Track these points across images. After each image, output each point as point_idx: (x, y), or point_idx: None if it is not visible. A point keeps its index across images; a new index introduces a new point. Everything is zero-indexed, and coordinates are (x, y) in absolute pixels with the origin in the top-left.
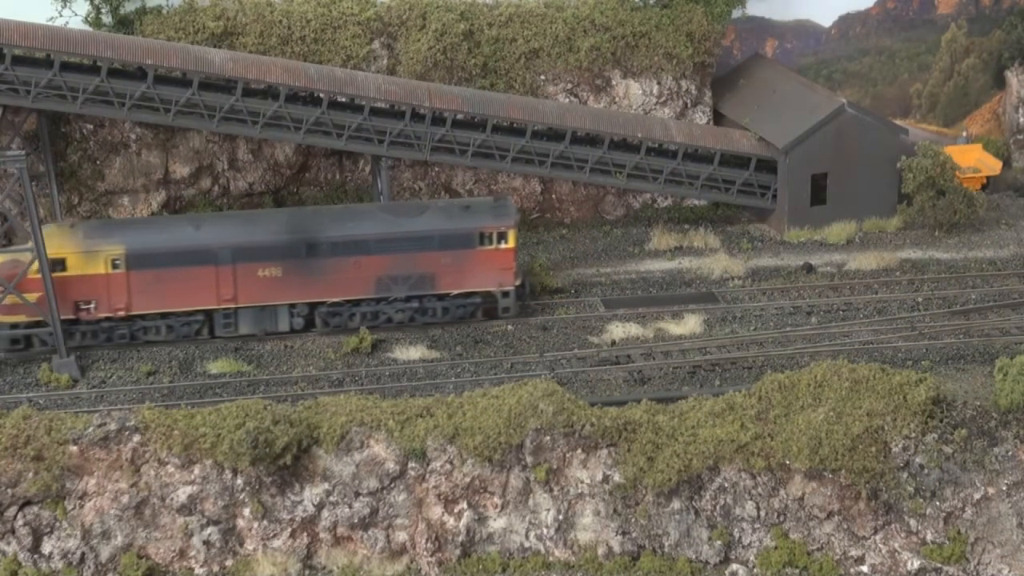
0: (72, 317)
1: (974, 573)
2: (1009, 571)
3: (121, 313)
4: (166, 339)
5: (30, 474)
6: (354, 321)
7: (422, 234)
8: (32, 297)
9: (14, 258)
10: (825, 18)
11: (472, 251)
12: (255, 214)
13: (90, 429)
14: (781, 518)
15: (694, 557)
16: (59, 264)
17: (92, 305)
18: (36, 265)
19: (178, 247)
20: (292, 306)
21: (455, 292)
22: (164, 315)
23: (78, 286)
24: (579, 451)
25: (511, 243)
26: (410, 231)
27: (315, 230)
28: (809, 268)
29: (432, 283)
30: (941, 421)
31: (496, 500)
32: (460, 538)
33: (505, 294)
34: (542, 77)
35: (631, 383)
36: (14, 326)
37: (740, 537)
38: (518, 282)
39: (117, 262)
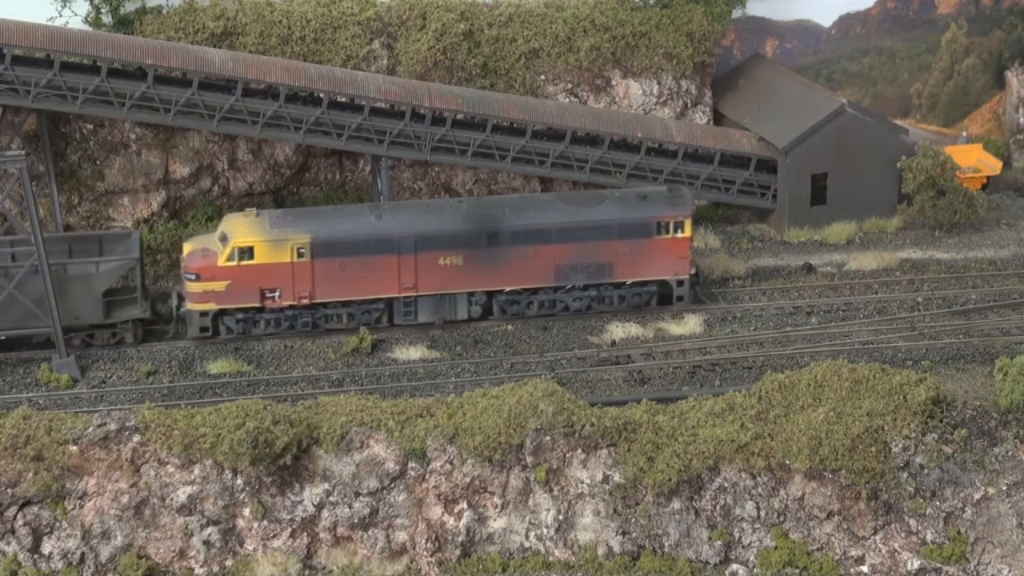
0: (257, 305)
1: (974, 573)
2: (1009, 571)
3: (305, 301)
4: (347, 327)
5: (30, 474)
6: (531, 309)
7: (601, 223)
8: (221, 286)
9: (205, 246)
10: (825, 18)
11: (649, 240)
12: (435, 203)
13: (90, 429)
14: (781, 518)
15: (694, 557)
16: (247, 252)
17: (277, 293)
18: (226, 254)
19: (362, 236)
20: (471, 294)
21: (631, 281)
22: (345, 303)
23: (264, 274)
24: (579, 451)
25: (687, 232)
26: (590, 220)
27: (497, 219)
28: (809, 268)
29: (609, 272)
30: (941, 421)
31: (496, 500)
32: (460, 538)
33: (680, 283)
34: (542, 77)
35: (631, 383)
36: (203, 314)
37: (740, 537)
38: (693, 271)
39: (302, 250)
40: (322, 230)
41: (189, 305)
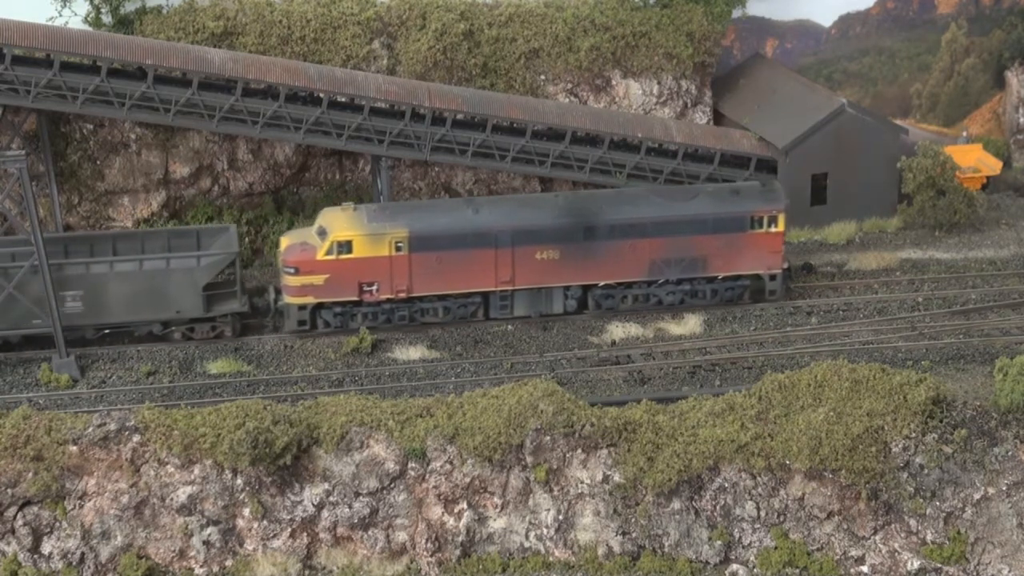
0: (355, 299)
1: (974, 573)
2: (1009, 571)
3: (403, 295)
4: (443, 320)
5: (30, 474)
6: (626, 303)
7: (697, 218)
8: (320, 279)
9: (303, 240)
10: (825, 18)
11: (743, 234)
12: (532, 198)
13: (90, 429)
14: (781, 518)
15: (694, 557)
16: (346, 246)
17: (375, 287)
18: (325, 248)
19: (459, 230)
20: (566, 288)
21: (724, 275)
22: (442, 297)
23: (362, 268)
24: (579, 451)
25: (781, 226)
26: (685, 215)
27: (594, 213)
28: (809, 268)
29: (703, 266)
30: (941, 421)
31: (496, 500)
32: (460, 538)
33: (772, 277)
34: (542, 77)
35: (631, 383)
36: (301, 308)
37: (740, 537)
38: (785, 265)
39: (400, 245)
40: (420, 224)
41: (287, 299)
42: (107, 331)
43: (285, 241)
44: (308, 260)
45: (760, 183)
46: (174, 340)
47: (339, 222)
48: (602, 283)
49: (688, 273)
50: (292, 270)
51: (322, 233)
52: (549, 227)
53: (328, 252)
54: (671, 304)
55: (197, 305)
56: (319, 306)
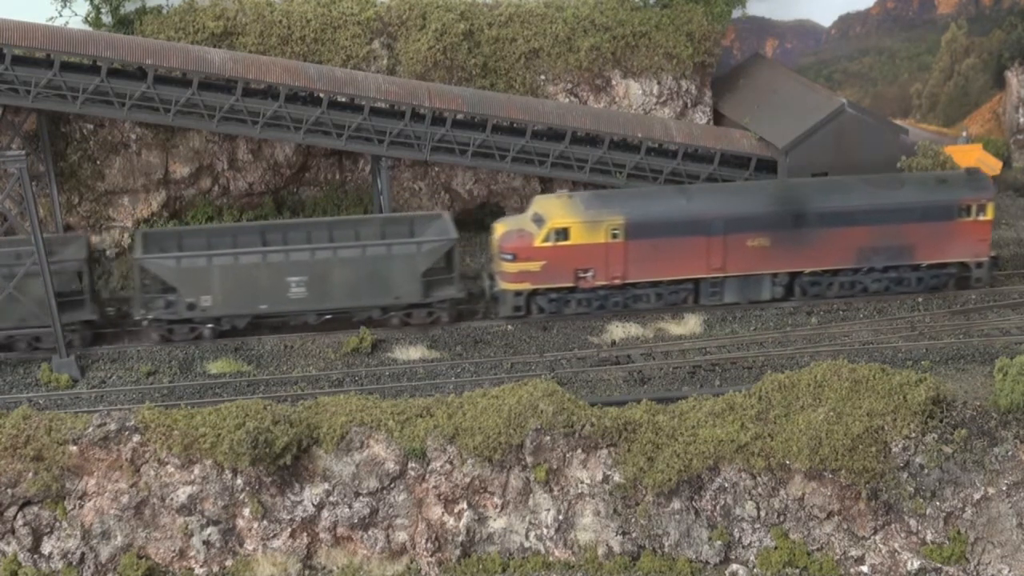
0: (571, 285)
1: (974, 573)
2: (1009, 571)
3: (617, 281)
4: (654, 307)
5: (30, 474)
6: (831, 290)
7: (905, 206)
8: (537, 266)
9: (520, 227)
10: (825, 18)
11: (951, 223)
12: (743, 186)
13: (90, 429)
14: (781, 518)
15: (694, 557)
16: (563, 233)
17: (590, 273)
18: (543, 235)
19: (674, 218)
20: (774, 275)
21: (929, 263)
22: (655, 283)
23: (579, 255)
24: (579, 451)
25: (989, 215)
26: (894, 203)
27: (804, 202)
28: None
29: (909, 254)
30: (941, 421)
31: (496, 500)
32: (460, 538)
33: (979, 265)
34: (542, 77)
35: (631, 383)
36: (517, 294)
37: (740, 537)
38: (993, 253)
39: (616, 232)
40: (637, 212)
41: (503, 285)
42: (328, 316)
43: (501, 228)
44: (526, 247)
45: (966, 171)
46: (174, 340)
47: (556, 209)
48: (809, 270)
49: (895, 261)
50: (510, 256)
51: (539, 220)
52: (761, 215)
53: (546, 239)
54: (876, 292)
55: (416, 291)
56: (533, 292)
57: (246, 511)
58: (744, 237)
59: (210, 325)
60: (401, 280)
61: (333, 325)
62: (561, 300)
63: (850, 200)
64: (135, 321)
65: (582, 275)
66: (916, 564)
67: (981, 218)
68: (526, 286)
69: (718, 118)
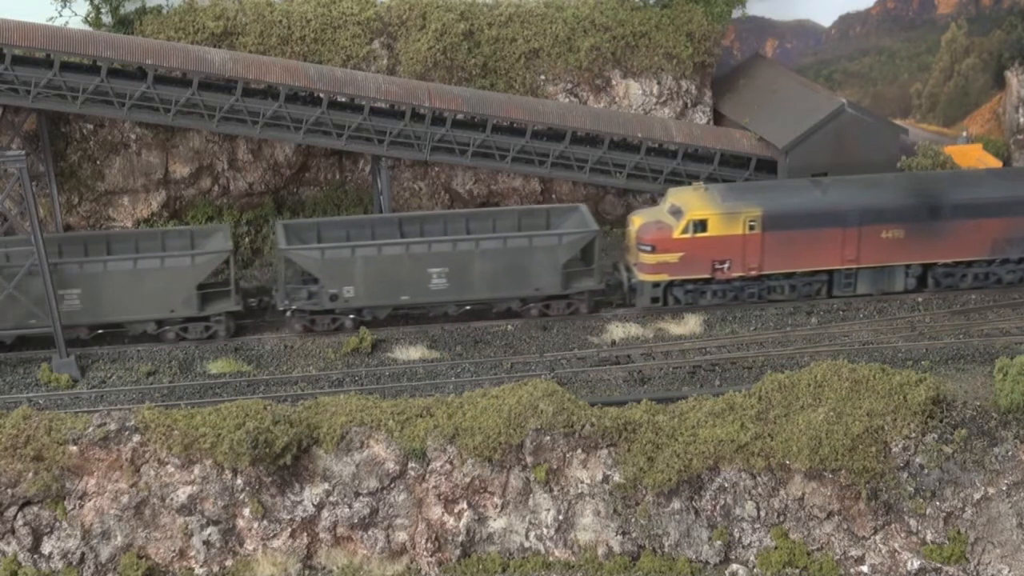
0: (707, 276)
1: (974, 573)
2: (1009, 571)
3: (753, 273)
4: (788, 298)
5: (30, 474)
6: (965, 281)
7: None
8: (675, 257)
9: (657, 219)
10: (825, 18)
11: None
12: (876, 178)
13: (90, 429)
14: (781, 518)
15: (694, 557)
16: (701, 225)
17: (727, 265)
18: (681, 226)
19: (810, 210)
20: (907, 267)
21: None
22: (789, 275)
23: (716, 246)
24: (579, 451)
25: None
26: None
27: (939, 193)
28: None
29: None
30: (941, 421)
31: (496, 500)
32: (460, 538)
33: None
34: (542, 77)
35: (631, 383)
36: (655, 285)
37: (740, 537)
38: None
39: (753, 223)
40: (773, 204)
41: (641, 276)
42: (468, 307)
43: (638, 220)
44: (664, 238)
45: None
46: (173, 340)
47: (694, 201)
48: (943, 262)
49: None
50: (649, 248)
51: (676, 212)
52: (895, 207)
53: (684, 231)
54: (1010, 283)
55: (556, 283)
56: (670, 283)
57: (246, 511)
58: (878, 228)
59: (351, 316)
60: (541, 271)
61: (472, 315)
62: (697, 291)
63: (985, 192)
64: (276, 312)
65: (719, 266)
66: (916, 564)
67: None
68: (664, 277)
69: (718, 118)
